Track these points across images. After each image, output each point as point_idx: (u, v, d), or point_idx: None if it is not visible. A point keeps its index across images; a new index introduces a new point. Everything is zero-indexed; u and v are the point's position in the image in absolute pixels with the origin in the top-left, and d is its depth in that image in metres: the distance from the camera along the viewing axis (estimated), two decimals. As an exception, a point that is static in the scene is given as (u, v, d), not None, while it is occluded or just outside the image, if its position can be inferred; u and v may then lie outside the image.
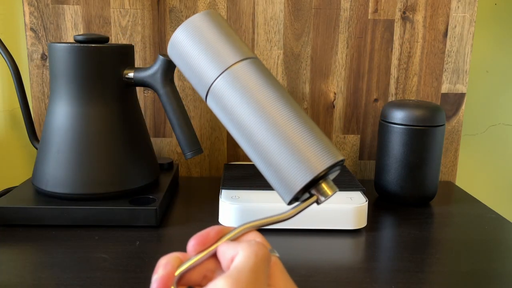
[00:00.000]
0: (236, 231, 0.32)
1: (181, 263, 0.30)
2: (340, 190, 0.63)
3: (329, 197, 0.33)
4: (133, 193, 0.64)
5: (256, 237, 0.32)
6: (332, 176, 0.35)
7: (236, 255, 0.29)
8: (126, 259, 0.52)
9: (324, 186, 0.33)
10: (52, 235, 0.57)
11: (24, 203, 0.60)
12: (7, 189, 0.72)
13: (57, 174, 0.61)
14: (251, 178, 0.68)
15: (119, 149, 0.63)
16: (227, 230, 0.32)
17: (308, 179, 0.32)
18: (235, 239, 0.32)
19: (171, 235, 0.59)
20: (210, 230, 0.31)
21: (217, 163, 0.84)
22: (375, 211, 0.69)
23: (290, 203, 0.34)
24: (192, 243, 0.31)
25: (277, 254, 0.32)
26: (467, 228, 0.64)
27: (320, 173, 0.32)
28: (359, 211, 0.60)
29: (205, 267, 0.31)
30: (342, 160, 0.33)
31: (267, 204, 0.59)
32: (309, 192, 0.33)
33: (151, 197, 0.63)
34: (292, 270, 0.51)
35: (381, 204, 0.72)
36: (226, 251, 0.30)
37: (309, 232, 0.60)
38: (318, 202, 0.33)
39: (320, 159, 0.32)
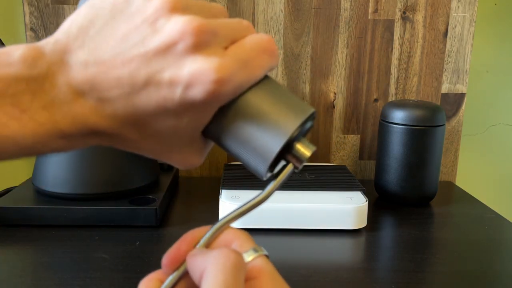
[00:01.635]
0: (208, 235, 0.28)
1: (161, 285, 0.27)
2: (340, 190, 0.64)
3: (307, 158, 0.29)
4: (133, 193, 0.64)
5: (235, 237, 0.28)
6: (305, 132, 0.30)
7: (204, 271, 0.25)
8: (126, 259, 0.52)
9: (299, 147, 0.28)
10: (52, 235, 0.57)
11: (24, 203, 0.60)
12: (7, 189, 0.72)
13: (57, 174, 0.61)
14: (251, 178, 0.68)
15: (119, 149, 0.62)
16: (202, 233, 0.28)
17: (281, 143, 0.27)
18: (212, 241, 0.28)
19: (171, 235, 0.59)
20: (181, 243, 0.28)
21: (217, 163, 0.84)
22: (375, 211, 0.69)
23: (268, 179, 0.30)
24: (164, 263, 0.28)
25: (264, 253, 0.27)
26: (467, 228, 0.64)
27: (293, 133, 0.27)
28: (359, 211, 0.60)
29: (187, 282, 0.27)
30: (314, 113, 0.29)
31: (267, 204, 0.59)
32: (285, 159, 0.29)
33: (151, 197, 0.63)
34: (292, 270, 0.51)
35: (381, 204, 0.72)
36: (194, 266, 0.26)
37: (309, 232, 0.60)
38: (296, 167, 0.29)
39: (289, 118, 0.27)
